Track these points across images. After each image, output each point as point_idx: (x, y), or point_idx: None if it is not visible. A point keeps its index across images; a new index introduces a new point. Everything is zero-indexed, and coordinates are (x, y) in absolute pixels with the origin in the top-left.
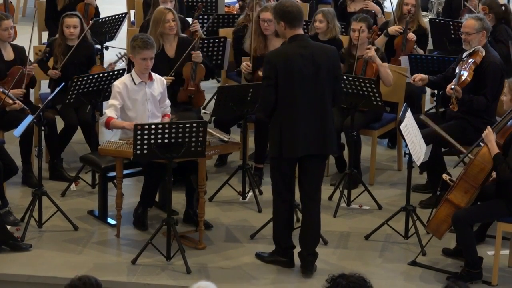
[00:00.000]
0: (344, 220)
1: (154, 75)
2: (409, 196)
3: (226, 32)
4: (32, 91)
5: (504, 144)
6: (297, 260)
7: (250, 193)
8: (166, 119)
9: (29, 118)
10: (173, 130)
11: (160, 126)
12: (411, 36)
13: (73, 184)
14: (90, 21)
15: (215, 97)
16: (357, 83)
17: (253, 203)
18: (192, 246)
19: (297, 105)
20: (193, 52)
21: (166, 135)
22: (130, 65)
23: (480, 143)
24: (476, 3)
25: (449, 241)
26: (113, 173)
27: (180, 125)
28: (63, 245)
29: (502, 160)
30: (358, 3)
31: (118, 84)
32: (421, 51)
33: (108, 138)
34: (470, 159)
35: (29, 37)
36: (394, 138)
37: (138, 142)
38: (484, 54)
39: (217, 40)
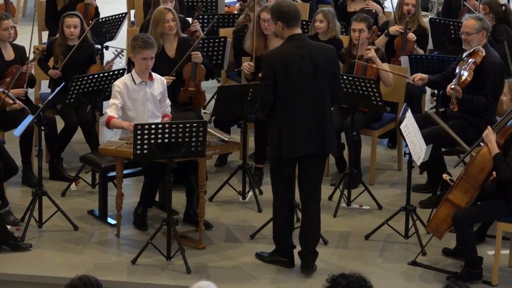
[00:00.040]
0: (344, 220)
1: (155, 75)
2: (409, 196)
3: (226, 32)
4: (32, 91)
5: (504, 144)
6: (297, 260)
7: (250, 193)
8: (166, 120)
9: (29, 118)
10: (173, 130)
11: (160, 126)
12: (411, 36)
13: (73, 184)
14: (90, 21)
15: (215, 97)
16: (357, 83)
17: (253, 203)
18: (192, 246)
19: (295, 105)
20: (192, 52)
21: (166, 135)
22: (130, 65)
23: (480, 143)
24: (475, 3)
25: (449, 241)
26: (113, 173)
27: (180, 125)
28: (63, 245)
29: (502, 160)
30: (358, 3)
31: (118, 83)
32: (421, 51)
33: (108, 138)
34: (470, 159)
35: (29, 37)
36: (394, 138)
37: (138, 142)
38: (484, 54)
39: (217, 40)
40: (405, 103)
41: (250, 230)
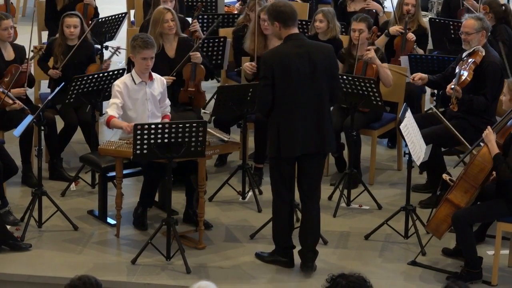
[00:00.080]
0: (344, 220)
1: (154, 74)
2: (409, 196)
3: (226, 32)
4: (32, 91)
5: (504, 144)
6: (297, 260)
7: (250, 193)
8: (166, 121)
9: (29, 118)
10: (173, 130)
11: (160, 126)
12: (411, 36)
13: (73, 184)
14: (90, 21)
15: (215, 97)
16: (357, 83)
17: (253, 203)
18: (192, 246)
19: (294, 104)
20: (192, 53)
21: (166, 135)
22: (130, 65)
23: (480, 143)
24: (474, 2)
25: (449, 241)
26: (113, 173)
27: (180, 125)
28: (63, 245)
29: (502, 160)
30: (358, 3)
31: (118, 83)
32: (421, 51)
33: (108, 138)
34: (470, 159)
35: (29, 37)
36: (394, 138)
37: (138, 142)
38: (484, 54)
39: (217, 40)
40: (404, 103)
41: (250, 230)
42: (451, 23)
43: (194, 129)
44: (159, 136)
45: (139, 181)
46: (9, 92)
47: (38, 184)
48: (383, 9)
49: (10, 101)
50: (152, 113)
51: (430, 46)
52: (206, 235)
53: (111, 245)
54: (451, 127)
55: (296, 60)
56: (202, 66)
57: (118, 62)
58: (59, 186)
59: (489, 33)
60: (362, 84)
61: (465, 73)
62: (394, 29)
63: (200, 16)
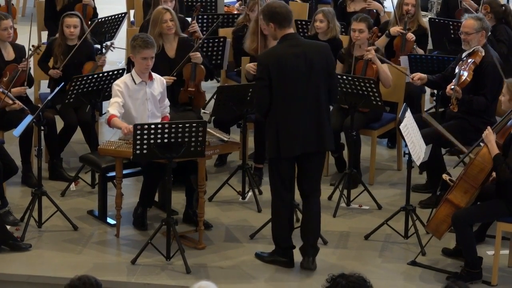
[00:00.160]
0: (343, 220)
1: (154, 74)
2: (408, 196)
3: (225, 32)
4: (31, 91)
5: (504, 145)
6: (296, 260)
7: (250, 193)
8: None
9: (28, 118)
10: (173, 130)
11: (160, 126)
12: (410, 36)
13: (73, 184)
14: (89, 22)
15: (214, 97)
16: (357, 83)
17: (253, 203)
18: (192, 246)
19: (292, 104)
20: (192, 53)
21: (166, 135)
22: (130, 65)
23: (480, 143)
24: (472, 2)
25: (449, 241)
26: (113, 173)
27: (180, 125)
28: (62, 245)
29: (502, 161)
30: (358, 3)
31: (119, 83)
32: (421, 51)
33: (107, 138)
34: (470, 159)
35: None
36: (394, 138)
37: (138, 142)
38: (483, 54)
39: (216, 40)
40: (404, 103)
41: (250, 230)
42: (450, 23)
43: (194, 129)
44: (159, 136)
45: (139, 181)
46: (9, 92)
47: (38, 184)
48: (384, 9)
49: (10, 101)
50: (152, 113)
51: (430, 46)
52: (206, 235)
53: (111, 245)
54: (444, 131)
55: (293, 60)
56: (202, 66)
57: (118, 62)
58: (59, 186)
59: (489, 33)
60: (362, 84)
61: (465, 74)
62: (394, 29)
63: (200, 16)
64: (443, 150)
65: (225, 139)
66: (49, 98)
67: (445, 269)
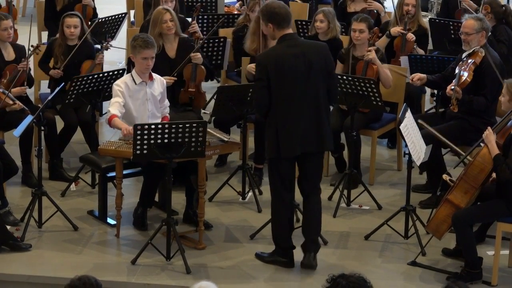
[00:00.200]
0: (344, 220)
1: (154, 75)
2: (409, 196)
3: (226, 32)
4: (31, 91)
5: (504, 145)
6: (296, 260)
7: (250, 193)
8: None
9: (29, 118)
10: (173, 130)
11: (160, 126)
12: (410, 36)
13: (73, 184)
14: (89, 22)
15: (215, 97)
16: (357, 83)
17: (253, 203)
18: (192, 246)
19: (291, 104)
20: (193, 54)
21: (166, 135)
22: (130, 65)
23: (480, 144)
24: (471, 2)
25: (449, 241)
26: (113, 173)
27: (180, 125)
28: (63, 245)
29: (502, 161)
30: (358, 3)
31: (119, 83)
32: (421, 51)
33: (108, 138)
34: (470, 160)
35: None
36: (394, 138)
37: (138, 142)
38: (483, 54)
39: (216, 40)
40: (404, 103)
41: (250, 230)
42: (451, 23)
43: (194, 129)
44: (159, 136)
45: (139, 181)
46: (9, 93)
47: (38, 184)
48: (384, 9)
49: (10, 102)
50: (152, 113)
51: (430, 46)
52: (206, 235)
53: (111, 245)
54: (440, 135)
55: (291, 60)
56: (202, 67)
57: (118, 62)
58: (59, 186)
59: (489, 34)
60: (362, 84)
61: (465, 74)
62: (395, 30)
63: (200, 17)
64: (443, 151)
65: (225, 139)
66: (49, 98)
67: (445, 269)
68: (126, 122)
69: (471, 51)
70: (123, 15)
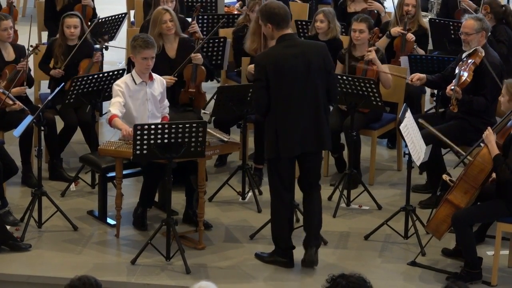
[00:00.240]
0: (343, 220)
1: (154, 75)
2: (408, 196)
3: (226, 32)
4: (31, 91)
5: (504, 145)
6: (296, 260)
7: (250, 193)
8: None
9: (28, 118)
10: (173, 130)
11: (159, 126)
12: (410, 36)
13: (73, 184)
14: (88, 22)
15: (215, 97)
16: (357, 83)
17: (253, 203)
18: (192, 246)
19: (291, 104)
20: (193, 54)
21: (166, 135)
22: (130, 65)
23: (480, 144)
24: (470, 3)
25: (448, 241)
26: (113, 173)
27: (180, 125)
28: (62, 245)
29: (502, 161)
30: (358, 3)
31: (119, 83)
32: (421, 51)
33: (107, 138)
34: (470, 160)
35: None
36: (394, 138)
37: (138, 142)
38: (483, 54)
39: (216, 41)
40: (404, 103)
41: (250, 231)
42: (451, 23)
43: (194, 129)
44: (159, 136)
45: (139, 181)
46: (9, 93)
47: (38, 185)
48: (384, 9)
49: (10, 102)
50: (152, 113)
51: (430, 46)
52: (206, 236)
53: (111, 246)
54: (440, 134)
55: (290, 60)
56: (203, 67)
57: (118, 62)
58: (59, 186)
59: (489, 34)
60: (362, 84)
61: (465, 74)
62: (395, 30)
63: (200, 17)
64: (443, 151)
65: (225, 139)
66: (49, 98)
67: (445, 269)
68: (126, 122)
69: (471, 51)
70: (123, 15)
